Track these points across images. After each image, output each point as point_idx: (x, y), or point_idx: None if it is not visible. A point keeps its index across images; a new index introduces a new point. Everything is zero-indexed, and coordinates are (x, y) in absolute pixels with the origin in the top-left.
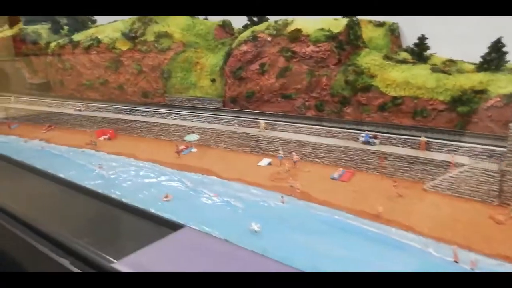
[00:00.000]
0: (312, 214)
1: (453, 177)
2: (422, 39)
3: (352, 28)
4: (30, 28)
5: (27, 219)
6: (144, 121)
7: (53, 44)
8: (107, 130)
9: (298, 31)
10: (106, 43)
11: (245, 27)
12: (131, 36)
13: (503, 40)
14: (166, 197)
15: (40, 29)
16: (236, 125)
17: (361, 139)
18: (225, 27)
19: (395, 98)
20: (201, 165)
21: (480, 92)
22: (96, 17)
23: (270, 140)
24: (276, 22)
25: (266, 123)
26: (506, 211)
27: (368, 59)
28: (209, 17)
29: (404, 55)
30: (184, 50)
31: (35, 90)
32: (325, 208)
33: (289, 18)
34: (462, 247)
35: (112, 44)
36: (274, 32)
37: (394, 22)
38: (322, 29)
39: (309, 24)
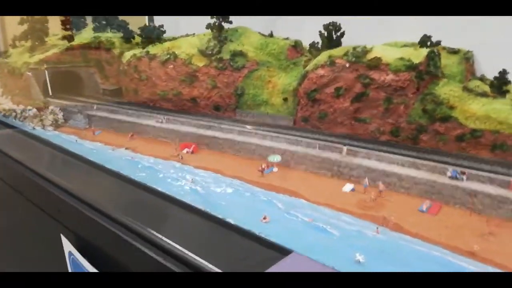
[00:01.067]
0: (410, 247)
1: None
2: (503, 73)
3: (433, 59)
4: (104, 36)
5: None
6: (225, 138)
7: (128, 54)
8: (190, 144)
9: (379, 59)
10: (182, 59)
11: (312, 46)
12: (207, 54)
13: None
14: (264, 218)
15: (113, 37)
16: (318, 148)
17: (450, 173)
18: (297, 47)
19: (474, 130)
20: (286, 186)
21: None
22: (166, 29)
23: (354, 167)
24: (354, 49)
25: (349, 149)
26: None
27: (447, 90)
28: (276, 34)
29: (478, 83)
30: (258, 68)
31: (107, 96)
32: (420, 242)
33: (368, 45)
34: None
35: (188, 59)
36: (353, 59)
37: (469, 51)
38: (402, 59)
39: (389, 52)
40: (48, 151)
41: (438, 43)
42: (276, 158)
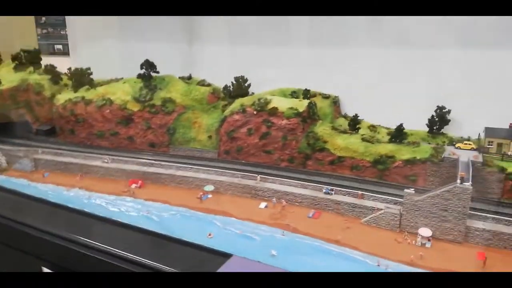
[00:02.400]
0: (303, 242)
1: (376, 216)
2: (356, 116)
3: (311, 108)
4: (32, 79)
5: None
6: (166, 173)
7: (62, 98)
8: (137, 180)
9: (276, 109)
10: (118, 104)
11: (225, 88)
12: (141, 100)
13: (404, 125)
14: (209, 235)
15: (41, 80)
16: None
17: (324, 190)
18: (215, 93)
19: (340, 157)
20: (220, 208)
21: (391, 157)
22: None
23: (265, 189)
24: (259, 100)
25: (261, 177)
26: (402, 235)
27: (322, 129)
28: (198, 76)
29: (342, 121)
30: (185, 111)
31: (42, 135)
32: (309, 238)
33: (268, 97)
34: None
35: (124, 105)
36: (259, 108)
37: (336, 96)
38: (291, 108)
39: (282, 103)
40: (4, 196)
41: (313, 95)
42: (209, 187)
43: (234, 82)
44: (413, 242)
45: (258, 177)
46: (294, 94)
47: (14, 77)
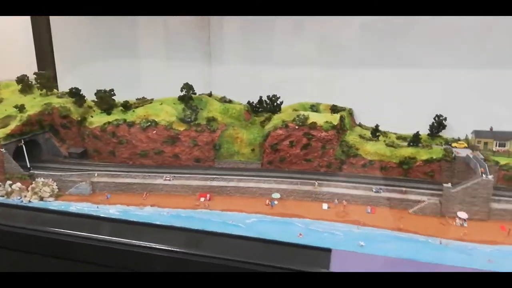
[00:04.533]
0: (375, 233)
1: (421, 207)
2: (377, 126)
3: (342, 120)
4: (55, 102)
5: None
6: (230, 186)
7: (97, 121)
8: (205, 194)
9: (315, 123)
10: (164, 125)
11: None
12: (186, 121)
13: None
14: (300, 234)
15: (65, 103)
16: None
17: (374, 190)
18: (249, 110)
19: (370, 160)
20: (291, 212)
21: (413, 158)
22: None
23: (324, 193)
24: (298, 116)
25: (318, 183)
26: (444, 219)
27: (351, 138)
28: (217, 93)
29: (359, 130)
30: (226, 128)
31: (75, 158)
32: (378, 228)
33: (305, 113)
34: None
35: (169, 125)
36: (300, 123)
37: (350, 108)
38: (327, 122)
39: (318, 117)
40: (91, 222)
41: (342, 109)
42: (276, 195)
43: (267, 100)
44: (453, 223)
45: (316, 182)
46: (313, 107)
47: (33, 102)
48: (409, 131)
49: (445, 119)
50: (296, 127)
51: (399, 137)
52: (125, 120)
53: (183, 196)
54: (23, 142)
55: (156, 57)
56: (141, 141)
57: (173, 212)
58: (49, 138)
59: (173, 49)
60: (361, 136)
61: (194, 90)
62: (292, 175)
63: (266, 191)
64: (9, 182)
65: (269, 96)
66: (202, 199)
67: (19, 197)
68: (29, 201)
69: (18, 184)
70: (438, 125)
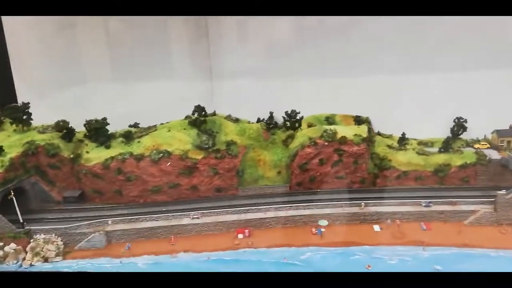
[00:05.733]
0: (443, 253)
1: (477, 217)
2: (403, 134)
3: (370, 132)
4: (38, 139)
5: None
6: (269, 217)
7: (96, 157)
8: (243, 229)
9: (345, 137)
10: (178, 154)
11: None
12: (204, 147)
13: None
14: (368, 266)
15: (51, 139)
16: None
17: (423, 204)
18: (266, 129)
19: (404, 171)
20: (342, 239)
21: (447, 165)
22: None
23: (373, 213)
24: (325, 131)
25: (365, 203)
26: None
27: (381, 149)
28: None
29: (379, 138)
30: (247, 151)
31: (72, 203)
32: (442, 247)
33: (332, 128)
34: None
35: (185, 154)
36: (329, 139)
37: (367, 116)
38: (356, 135)
39: (346, 131)
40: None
41: (367, 119)
42: (323, 222)
43: (286, 117)
44: None
45: (362, 203)
46: (329, 119)
47: (9, 141)
48: (428, 136)
49: (466, 121)
50: (326, 143)
51: (420, 143)
52: (131, 153)
53: (217, 235)
54: (12, 193)
55: (146, 76)
56: (153, 175)
57: (214, 256)
58: (36, 182)
59: (169, 65)
60: (389, 146)
61: (206, 112)
62: (332, 196)
63: (309, 218)
64: None
65: (287, 112)
66: (241, 235)
67: (16, 261)
68: (31, 265)
69: (13, 245)
70: (459, 127)
